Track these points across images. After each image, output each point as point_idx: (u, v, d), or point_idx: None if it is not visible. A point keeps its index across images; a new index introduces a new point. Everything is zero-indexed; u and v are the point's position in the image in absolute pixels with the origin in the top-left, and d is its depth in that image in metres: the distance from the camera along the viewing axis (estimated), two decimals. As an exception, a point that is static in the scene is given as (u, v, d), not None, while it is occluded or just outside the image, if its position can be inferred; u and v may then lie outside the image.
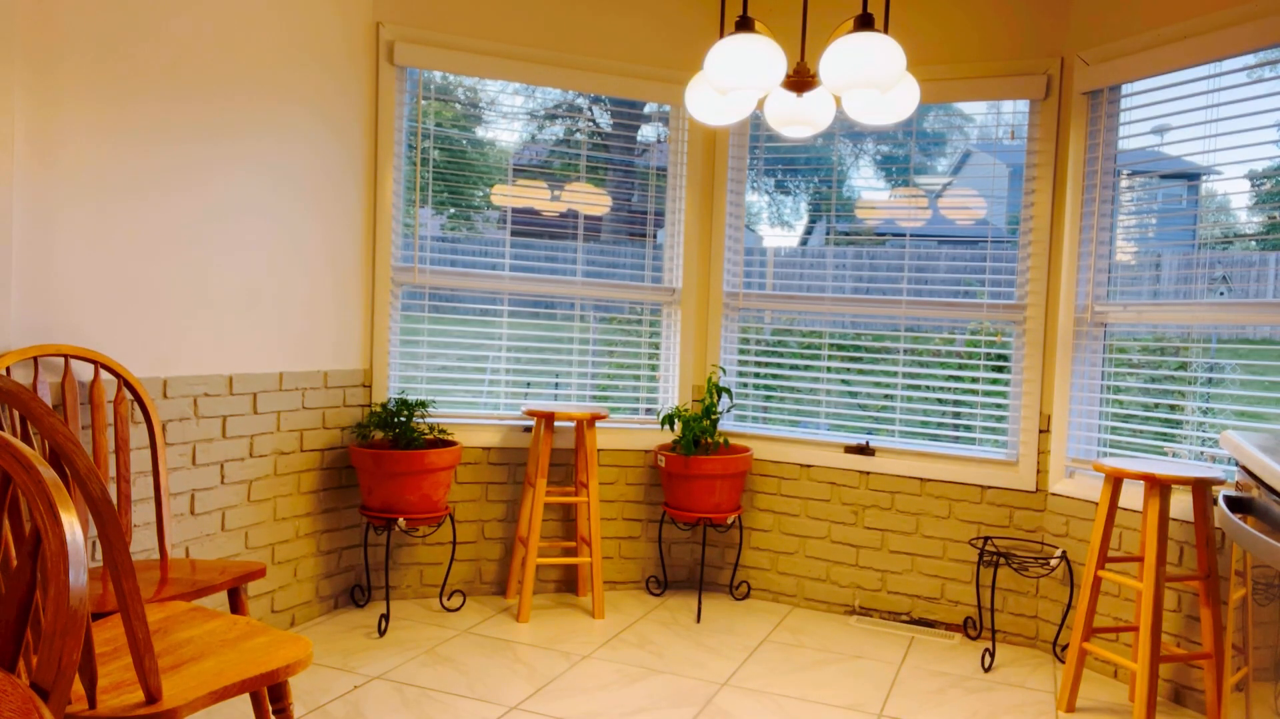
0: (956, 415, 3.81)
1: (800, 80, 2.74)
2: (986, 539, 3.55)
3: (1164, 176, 3.32)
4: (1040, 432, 3.56)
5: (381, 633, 3.38)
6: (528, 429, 3.89)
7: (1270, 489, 1.77)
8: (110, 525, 1.47)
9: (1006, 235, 3.69)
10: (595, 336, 4.07)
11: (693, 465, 3.67)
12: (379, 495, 3.34)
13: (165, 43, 2.75)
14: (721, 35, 2.56)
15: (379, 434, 3.56)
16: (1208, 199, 3.21)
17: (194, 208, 2.89)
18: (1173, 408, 3.23)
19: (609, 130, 4.20)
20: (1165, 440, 3.24)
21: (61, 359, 2.52)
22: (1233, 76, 3.01)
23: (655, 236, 4.11)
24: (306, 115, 3.29)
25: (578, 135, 4.13)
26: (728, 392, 3.94)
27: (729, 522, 4.06)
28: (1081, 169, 3.45)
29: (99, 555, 2.62)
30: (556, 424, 3.90)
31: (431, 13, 3.65)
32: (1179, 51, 3.10)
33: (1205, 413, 3.13)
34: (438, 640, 3.35)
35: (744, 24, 2.49)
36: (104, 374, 2.64)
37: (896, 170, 3.91)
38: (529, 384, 4.00)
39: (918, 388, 3.85)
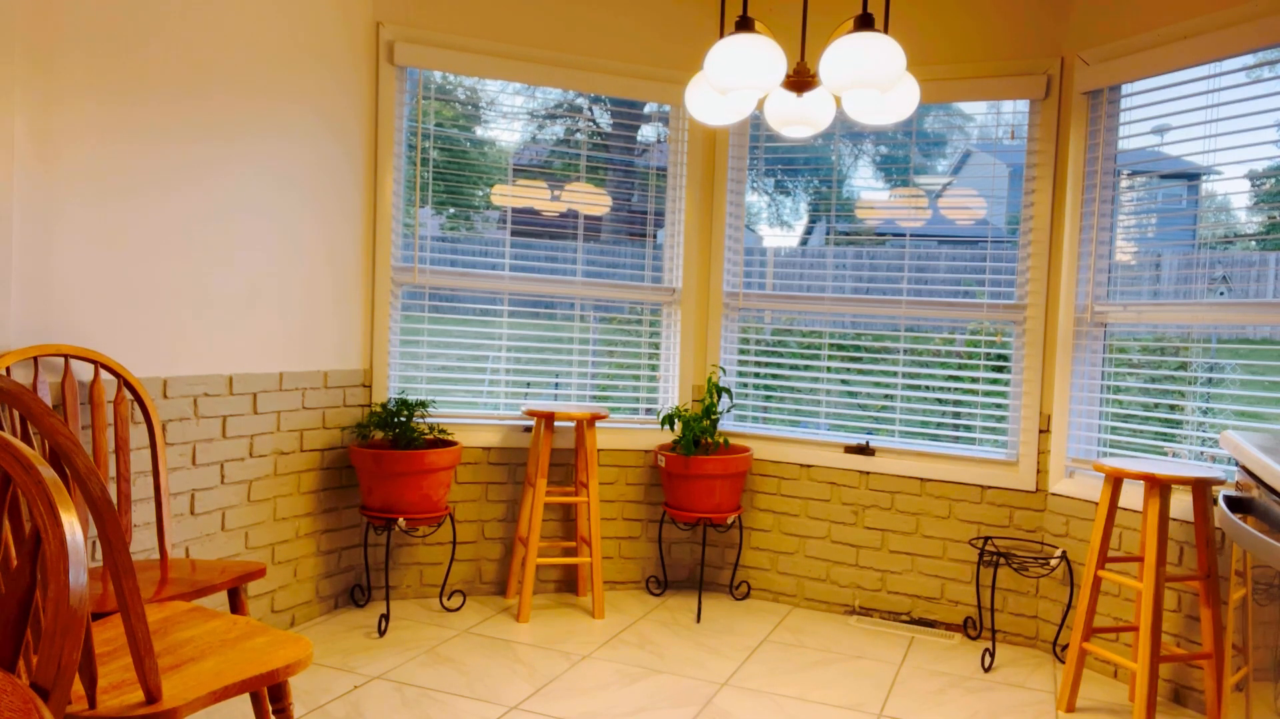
0: (956, 415, 3.81)
1: (800, 80, 2.74)
2: (986, 539, 3.55)
3: (1164, 176, 3.32)
4: (1040, 432, 3.56)
5: (381, 633, 3.38)
6: (528, 429, 3.89)
7: (1270, 489, 1.77)
8: (110, 525, 1.47)
9: (1006, 235, 3.69)
10: (595, 336, 4.07)
11: (693, 465, 3.67)
12: (379, 495, 3.34)
13: (166, 42, 2.75)
14: (721, 35, 2.56)
15: (379, 434, 3.56)
16: (1208, 199, 3.21)
17: (194, 208, 2.89)
18: (1173, 408, 3.23)
19: (609, 130, 4.20)
20: (1165, 440, 3.24)
21: (61, 359, 2.52)
22: (1232, 76, 3.01)
23: (655, 236, 4.11)
24: (307, 115, 3.29)
25: (578, 135, 4.13)
26: (728, 391, 3.94)
27: (729, 522, 4.06)
28: (1081, 169, 3.45)
29: (99, 555, 2.62)
30: (556, 424, 3.90)
31: (432, 12, 3.65)
32: (1179, 51, 3.10)
33: (1205, 413, 3.13)
34: (438, 640, 3.35)
35: (744, 24, 2.49)
36: (104, 374, 2.64)
37: (896, 170, 3.91)
38: (529, 384, 4.00)
39: (918, 388, 3.85)
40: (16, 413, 2.22)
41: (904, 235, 3.85)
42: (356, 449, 3.35)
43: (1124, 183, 3.41)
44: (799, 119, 2.81)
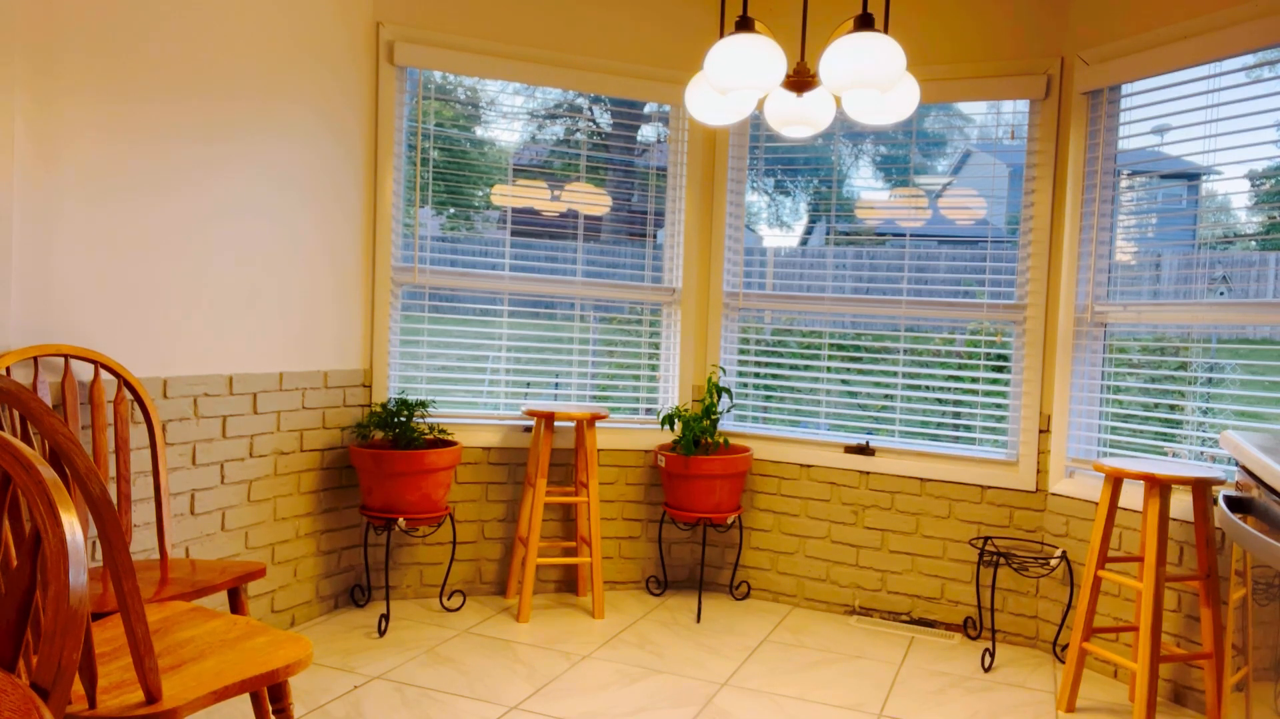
0: (956, 415, 3.81)
1: (800, 80, 2.74)
2: (986, 539, 3.55)
3: (1164, 176, 3.32)
4: (1040, 432, 3.56)
5: (381, 633, 3.38)
6: (528, 429, 3.89)
7: (1270, 489, 1.77)
8: (110, 525, 1.47)
9: (1006, 235, 3.69)
10: (595, 336, 4.07)
11: (693, 465, 3.67)
12: (379, 495, 3.34)
13: (166, 42, 2.75)
14: (721, 35, 2.56)
15: (379, 434, 3.56)
16: (1208, 199, 3.21)
17: (194, 208, 2.89)
18: (1173, 408, 3.23)
19: (609, 130, 4.20)
20: (1165, 440, 3.24)
21: (61, 359, 2.52)
22: (1232, 76, 3.01)
23: (655, 236, 4.11)
24: (307, 115, 3.29)
25: (578, 135, 4.13)
26: (728, 391, 3.94)
27: (729, 522, 4.06)
28: (1081, 169, 3.45)
29: (99, 555, 2.62)
30: (556, 424, 3.90)
31: (432, 12, 3.65)
32: (1179, 51, 3.10)
33: (1205, 413, 3.13)
34: (438, 640, 3.35)
35: (744, 24, 2.49)
36: (104, 374, 2.64)
37: (896, 170, 3.91)
38: (529, 384, 4.00)
39: (918, 388, 3.85)
40: (16, 413, 2.23)
41: (904, 235, 3.85)
42: (356, 449, 3.35)
43: (1124, 183, 3.41)
44: (799, 119, 2.81)
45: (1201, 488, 2.84)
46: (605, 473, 4.00)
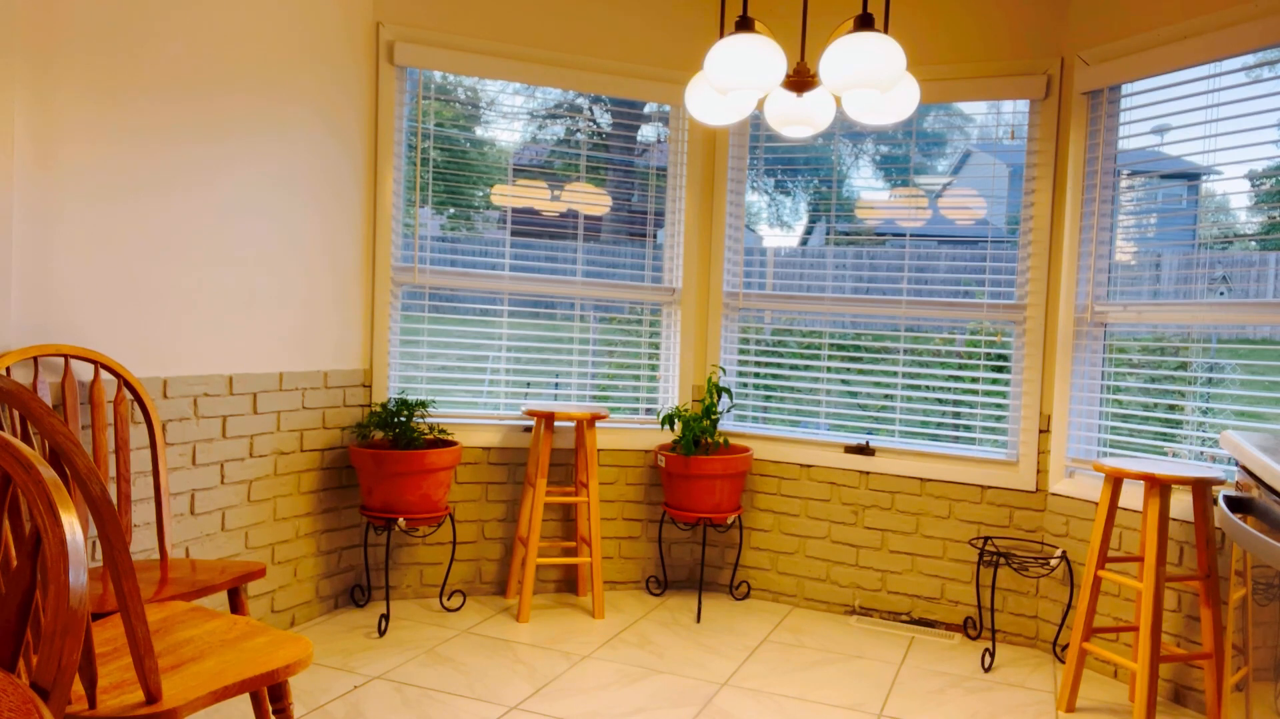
0: (956, 415, 3.81)
1: (800, 80, 2.74)
2: (986, 539, 3.55)
3: (1164, 176, 3.32)
4: (1040, 431, 3.56)
5: (381, 633, 3.38)
6: (528, 429, 3.89)
7: (1270, 489, 1.77)
8: (110, 525, 1.47)
9: (1006, 235, 3.69)
10: (595, 336, 4.07)
11: (693, 465, 3.67)
12: (379, 495, 3.34)
13: (166, 42, 2.75)
14: (721, 35, 2.55)
15: (379, 434, 3.56)
16: (1208, 199, 3.21)
17: (194, 208, 2.89)
18: (1172, 408, 3.23)
19: (609, 130, 4.20)
20: (1165, 440, 3.24)
21: (61, 359, 2.52)
22: (1232, 76, 3.01)
23: (655, 236, 4.11)
24: (307, 115, 3.29)
25: (578, 135, 4.13)
26: (728, 391, 3.94)
27: (729, 522, 4.06)
28: (1081, 169, 3.45)
29: (99, 555, 2.62)
30: (556, 424, 3.90)
31: (432, 12, 3.65)
32: (1179, 51, 3.10)
33: (1205, 413, 3.13)
34: (438, 640, 3.35)
35: (744, 24, 2.49)
36: (104, 374, 2.64)
37: (896, 170, 3.91)
38: (529, 384, 4.00)
39: (918, 388, 3.85)
40: (16, 413, 2.23)
41: (904, 235, 3.85)
42: (356, 449, 3.35)
43: (1124, 183, 3.41)
44: (799, 119, 2.81)
45: (1201, 488, 2.84)
46: (605, 473, 4.00)
